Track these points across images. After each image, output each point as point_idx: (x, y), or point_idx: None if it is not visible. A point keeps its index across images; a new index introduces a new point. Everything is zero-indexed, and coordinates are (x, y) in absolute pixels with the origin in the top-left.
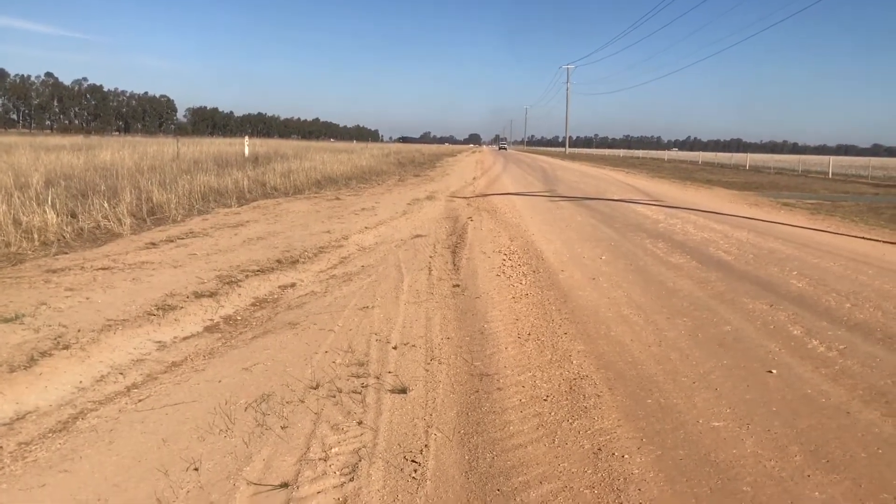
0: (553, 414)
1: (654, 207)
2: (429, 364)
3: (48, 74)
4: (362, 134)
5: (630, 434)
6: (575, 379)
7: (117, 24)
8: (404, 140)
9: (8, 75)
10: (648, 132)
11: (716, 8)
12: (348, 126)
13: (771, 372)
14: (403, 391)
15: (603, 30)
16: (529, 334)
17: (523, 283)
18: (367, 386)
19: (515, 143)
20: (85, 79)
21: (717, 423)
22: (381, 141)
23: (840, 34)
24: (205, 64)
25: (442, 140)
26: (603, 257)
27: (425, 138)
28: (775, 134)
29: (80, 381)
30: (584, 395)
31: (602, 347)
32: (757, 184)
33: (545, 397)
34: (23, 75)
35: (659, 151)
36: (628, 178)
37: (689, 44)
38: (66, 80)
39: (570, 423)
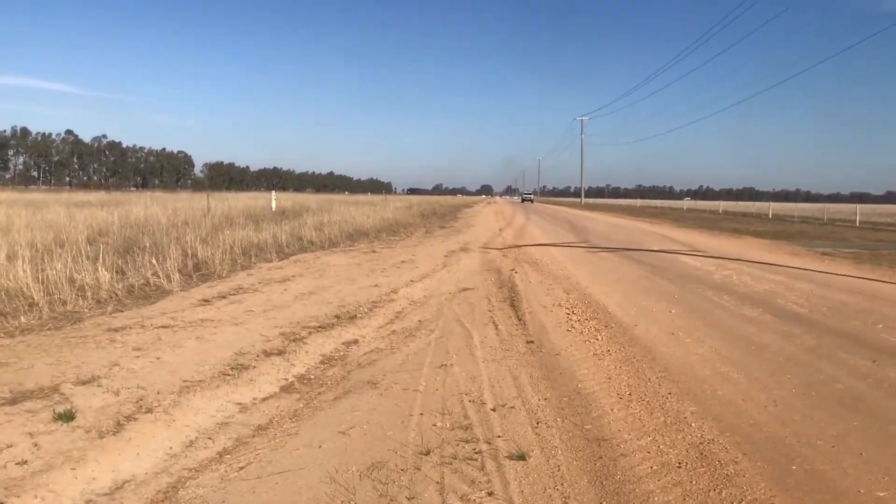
0: (695, 483)
1: (698, 258)
2: (537, 427)
3: (68, 132)
4: (376, 186)
5: None
6: (701, 444)
7: (136, 83)
8: (413, 192)
9: (30, 133)
10: (660, 182)
11: (730, 62)
12: (362, 179)
13: None
14: (522, 457)
15: (616, 82)
16: (630, 394)
17: (599, 338)
18: (480, 452)
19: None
20: (104, 136)
21: (881, 493)
22: (395, 193)
23: (851, 83)
24: (220, 119)
25: (454, 191)
26: (672, 311)
27: (437, 190)
28: (788, 182)
29: (170, 447)
30: (719, 462)
31: (716, 408)
32: (786, 233)
33: (678, 464)
34: (44, 133)
35: (673, 201)
36: (655, 228)
37: (704, 96)
38: (86, 137)
39: (719, 493)
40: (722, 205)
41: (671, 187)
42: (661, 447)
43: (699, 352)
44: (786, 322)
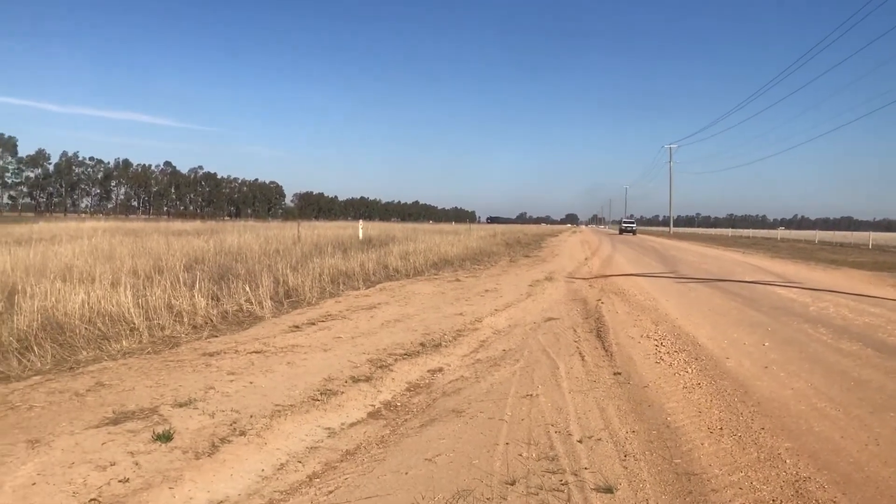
0: None
1: (793, 290)
2: (624, 460)
3: (166, 163)
4: (460, 215)
5: None
6: (797, 481)
7: (230, 116)
8: (494, 220)
9: (131, 165)
10: (753, 211)
11: (827, 87)
12: (446, 208)
13: None
14: (609, 490)
15: (706, 108)
16: (721, 429)
17: (689, 371)
18: (566, 483)
19: (615, 222)
20: (200, 167)
21: None
22: (478, 222)
23: None
24: (310, 150)
25: (538, 220)
26: (766, 343)
27: (521, 218)
28: (890, 210)
29: (262, 469)
30: (816, 501)
31: (812, 445)
32: (888, 264)
33: (772, 501)
34: (144, 165)
35: (766, 230)
36: (748, 259)
37: (799, 122)
38: (183, 168)
39: None
40: (818, 234)
41: (764, 216)
42: (755, 483)
43: (794, 386)
44: (888, 357)
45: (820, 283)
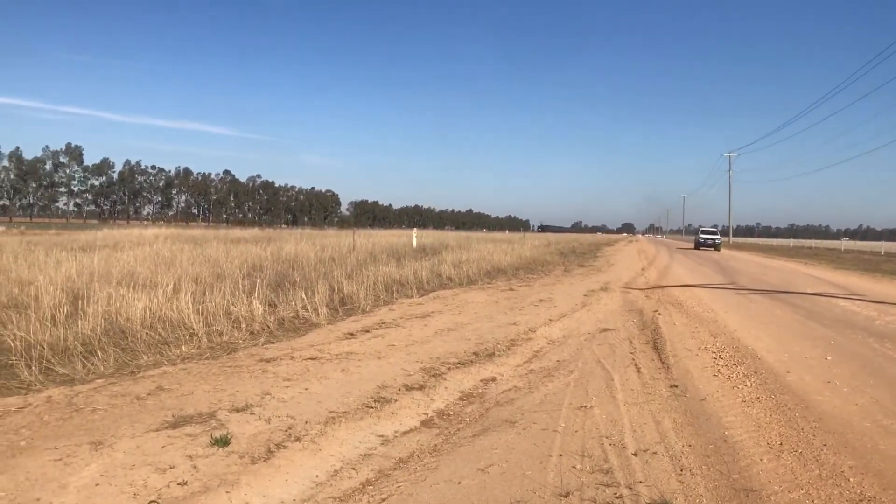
0: None
1: (858, 302)
2: (681, 474)
3: (226, 172)
4: (514, 223)
5: None
6: (861, 500)
7: (287, 126)
8: (544, 229)
9: (191, 174)
10: (815, 221)
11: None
12: (500, 216)
13: None
14: None
15: (768, 114)
16: (781, 444)
17: (748, 385)
18: (621, 497)
19: (672, 232)
20: (258, 175)
21: None
22: (532, 230)
23: None
24: (365, 159)
25: (594, 229)
26: (828, 358)
27: (577, 227)
28: None
29: (317, 475)
30: None
31: (877, 464)
32: None
33: None
34: (204, 173)
35: (829, 241)
36: (810, 270)
37: (864, 130)
38: (242, 177)
39: None
40: (884, 245)
41: (826, 226)
42: (816, 502)
43: (858, 402)
44: None
45: (886, 295)
